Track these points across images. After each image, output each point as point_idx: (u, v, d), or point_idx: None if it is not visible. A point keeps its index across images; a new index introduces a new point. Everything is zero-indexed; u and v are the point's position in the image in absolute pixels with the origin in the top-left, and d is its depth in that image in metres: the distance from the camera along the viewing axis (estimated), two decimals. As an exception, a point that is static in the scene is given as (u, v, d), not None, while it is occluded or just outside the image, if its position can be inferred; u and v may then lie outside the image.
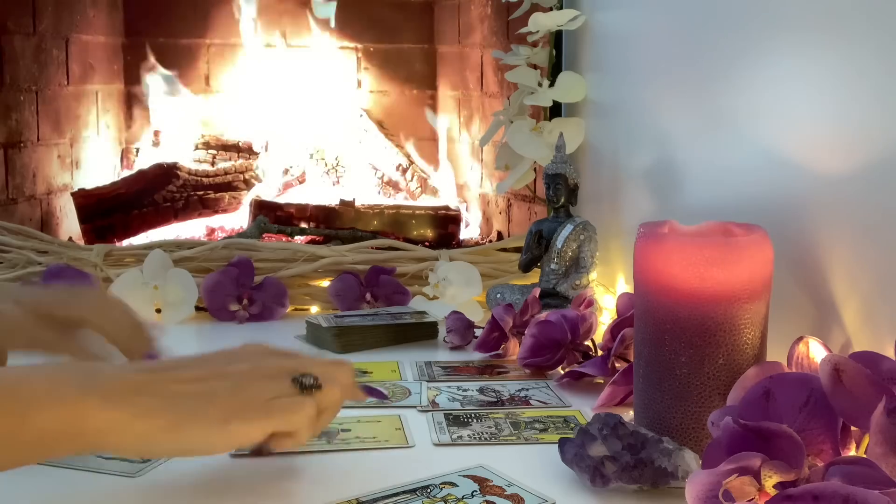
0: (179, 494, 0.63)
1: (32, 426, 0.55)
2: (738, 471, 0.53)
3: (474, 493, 0.64)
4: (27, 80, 1.71)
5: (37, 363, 0.60)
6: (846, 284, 0.74)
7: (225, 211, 1.99)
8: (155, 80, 2.11)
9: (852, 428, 0.58)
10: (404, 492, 0.64)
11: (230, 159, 2.06)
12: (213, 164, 2.04)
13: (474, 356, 1.02)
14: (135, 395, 0.58)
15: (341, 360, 0.70)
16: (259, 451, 0.64)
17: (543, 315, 0.96)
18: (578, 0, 1.34)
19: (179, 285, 1.18)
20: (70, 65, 1.87)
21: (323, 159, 2.08)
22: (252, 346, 0.68)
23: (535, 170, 1.38)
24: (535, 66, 1.36)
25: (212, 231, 1.97)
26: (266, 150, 2.07)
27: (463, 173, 2.03)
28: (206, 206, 1.97)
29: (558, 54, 1.39)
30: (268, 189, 2.01)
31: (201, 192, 1.96)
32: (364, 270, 1.23)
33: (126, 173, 2.01)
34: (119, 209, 1.86)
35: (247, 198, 1.98)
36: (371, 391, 0.75)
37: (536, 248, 1.14)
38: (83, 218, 1.83)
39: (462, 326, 1.05)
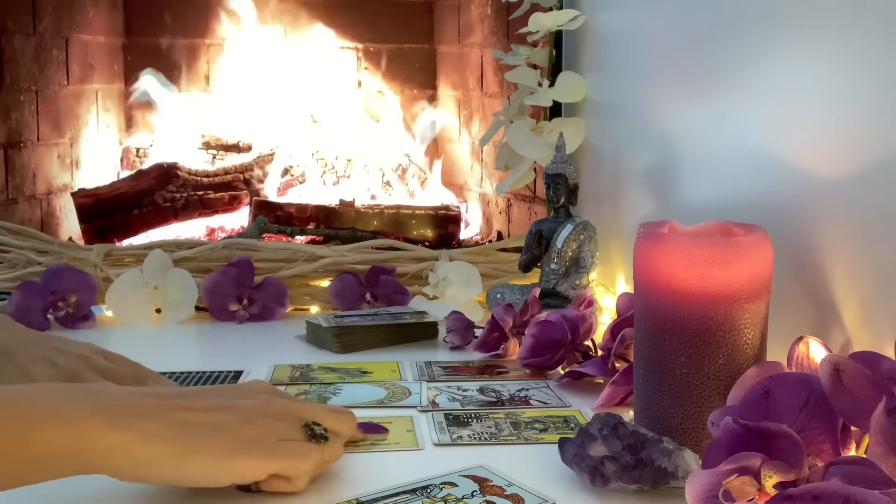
0: (180, 494, 0.63)
1: (35, 443, 0.54)
2: (738, 471, 0.53)
3: (474, 493, 0.64)
4: (27, 80, 1.72)
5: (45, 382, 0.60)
6: (846, 284, 0.74)
7: (225, 211, 1.99)
8: (155, 79, 2.11)
9: (852, 428, 0.58)
10: (404, 492, 0.64)
11: (229, 159, 2.06)
12: (212, 163, 2.04)
13: (474, 356, 1.02)
14: (142, 419, 0.58)
15: (345, 409, 0.72)
16: (247, 487, 0.63)
17: (543, 315, 0.96)
18: (578, 0, 1.34)
19: (179, 285, 1.18)
20: (70, 65, 1.87)
21: (323, 159, 2.08)
22: (258, 384, 0.70)
23: (535, 170, 1.38)
24: (535, 66, 1.36)
25: (212, 231, 1.97)
26: (272, 153, 2.07)
27: (463, 173, 2.03)
28: (206, 206, 1.97)
29: (558, 54, 1.39)
30: (271, 189, 2.01)
31: (201, 192, 1.96)
32: (364, 270, 1.23)
33: (126, 173, 2.01)
34: (119, 209, 1.86)
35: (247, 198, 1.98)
36: (369, 428, 0.76)
37: (536, 248, 1.14)
38: (83, 218, 1.83)
39: (462, 326, 1.05)
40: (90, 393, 0.59)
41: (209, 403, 0.62)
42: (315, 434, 0.64)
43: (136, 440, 0.57)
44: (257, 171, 2.01)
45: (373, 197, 2.02)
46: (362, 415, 0.79)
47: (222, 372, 0.95)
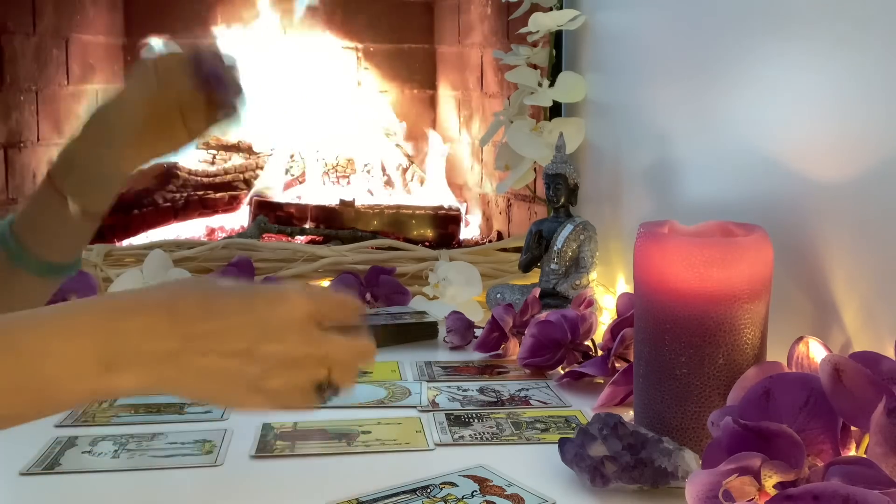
0: (180, 493, 0.63)
1: (52, 401, 0.55)
2: (738, 471, 0.53)
3: (474, 493, 0.64)
4: (27, 80, 1.72)
5: (58, 309, 0.57)
6: (846, 285, 0.74)
7: (225, 211, 1.99)
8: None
9: (852, 428, 0.58)
10: (404, 492, 0.64)
11: (230, 159, 2.06)
12: (212, 163, 2.05)
13: (474, 356, 1.01)
14: (160, 367, 0.56)
15: (369, 347, 0.64)
16: None
17: (543, 315, 0.96)
18: (578, 0, 1.34)
19: (179, 285, 1.18)
20: (70, 65, 1.87)
21: (324, 159, 2.08)
22: (294, 311, 0.60)
23: (535, 170, 1.38)
24: (535, 66, 1.36)
25: (212, 231, 1.97)
26: (271, 152, 2.07)
27: (463, 173, 2.03)
28: (206, 206, 1.97)
29: (558, 54, 1.39)
30: (273, 188, 2.01)
31: (201, 192, 1.96)
32: (364, 270, 1.23)
33: (126, 173, 2.01)
34: (119, 209, 1.86)
35: (247, 198, 1.98)
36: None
37: (536, 248, 1.14)
38: (83, 218, 1.83)
39: (462, 326, 1.05)
40: (107, 336, 0.56)
41: (233, 347, 0.58)
42: (323, 395, 0.61)
43: (153, 384, 0.56)
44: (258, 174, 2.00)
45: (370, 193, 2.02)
46: (382, 416, 0.80)
47: (222, 372, 0.95)
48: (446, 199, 2.01)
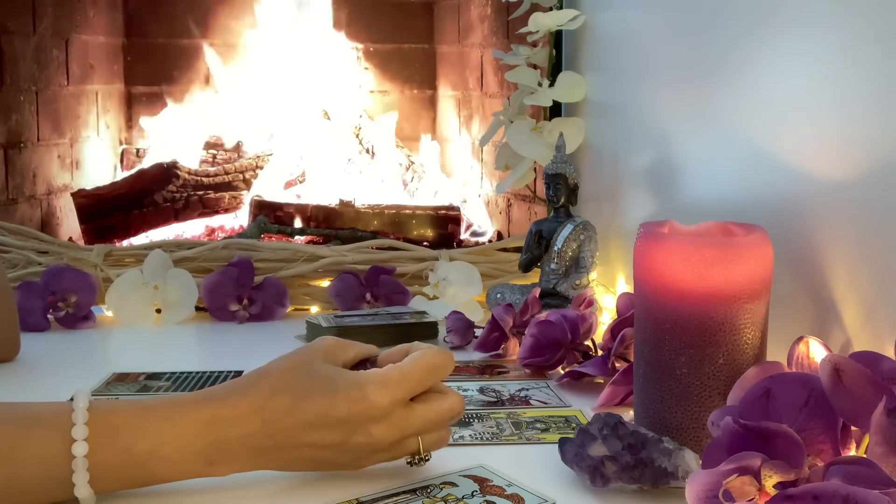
0: (179, 490, 0.63)
1: (153, 484, 0.63)
2: (738, 471, 0.53)
3: (474, 493, 0.64)
4: (27, 80, 1.72)
5: (164, 412, 0.62)
6: (846, 284, 0.74)
7: (225, 211, 1.99)
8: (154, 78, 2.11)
9: (852, 428, 0.58)
10: (404, 492, 0.64)
11: (230, 160, 2.06)
12: (213, 163, 2.05)
13: (474, 356, 1.02)
14: (256, 459, 0.63)
15: (455, 405, 0.66)
16: None
17: (543, 315, 0.96)
18: (578, 0, 1.34)
19: (179, 285, 1.18)
20: (70, 65, 1.87)
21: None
22: (386, 397, 0.63)
23: (535, 170, 1.38)
24: (535, 66, 1.36)
25: (212, 231, 1.97)
26: (272, 152, 2.07)
27: (463, 173, 2.03)
28: (206, 206, 1.97)
29: (558, 54, 1.39)
30: (271, 188, 2.01)
31: (201, 192, 1.96)
32: (364, 270, 1.23)
33: (126, 173, 2.01)
34: (119, 209, 1.86)
35: (247, 197, 1.98)
36: None
37: (536, 248, 1.14)
38: (83, 218, 1.83)
39: (462, 326, 1.05)
40: (210, 439, 0.62)
41: (325, 441, 0.63)
42: (415, 465, 0.67)
43: (249, 469, 0.64)
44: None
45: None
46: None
47: (222, 372, 0.95)
48: (446, 199, 2.01)
